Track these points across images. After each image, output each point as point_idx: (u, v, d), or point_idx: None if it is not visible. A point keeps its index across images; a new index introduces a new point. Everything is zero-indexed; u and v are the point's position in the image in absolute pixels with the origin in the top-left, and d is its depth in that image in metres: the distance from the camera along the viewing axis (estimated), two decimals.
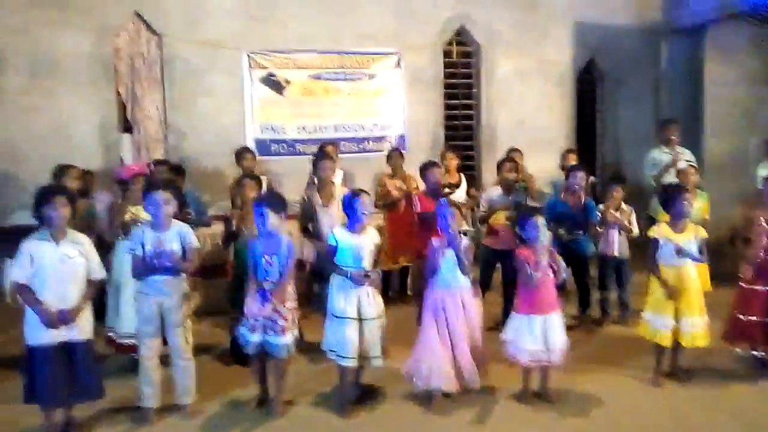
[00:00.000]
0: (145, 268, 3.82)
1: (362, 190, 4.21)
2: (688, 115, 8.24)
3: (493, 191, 5.54)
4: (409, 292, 6.30)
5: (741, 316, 4.46)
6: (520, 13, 8.08)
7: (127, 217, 4.65)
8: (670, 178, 6.38)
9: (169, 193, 3.95)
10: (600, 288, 5.69)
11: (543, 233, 4.05)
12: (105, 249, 4.52)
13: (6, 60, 6.62)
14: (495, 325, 4.92)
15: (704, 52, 8.54)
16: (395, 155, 6.49)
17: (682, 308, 4.21)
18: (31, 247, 3.58)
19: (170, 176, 5.75)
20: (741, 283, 4.55)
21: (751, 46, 8.64)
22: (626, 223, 5.57)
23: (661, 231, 4.32)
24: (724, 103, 8.29)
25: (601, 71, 8.61)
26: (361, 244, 4.03)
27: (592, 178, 6.56)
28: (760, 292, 4.43)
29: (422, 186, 5.69)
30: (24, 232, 3.68)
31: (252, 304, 3.90)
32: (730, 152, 7.79)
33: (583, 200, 5.42)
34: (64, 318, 3.57)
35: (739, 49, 8.64)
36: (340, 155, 6.49)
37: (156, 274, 3.83)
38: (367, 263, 4.03)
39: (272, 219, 3.88)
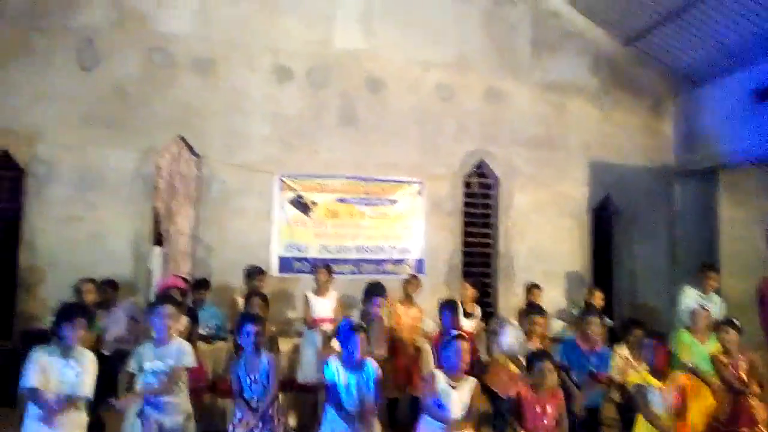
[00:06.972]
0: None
1: (361, 326, 4.17)
2: (702, 253, 8.39)
3: (514, 336, 5.29)
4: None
5: None
6: (537, 150, 8.50)
7: None
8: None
9: (177, 309, 4.09)
10: None
11: (551, 379, 4.00)
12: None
13: (56, 172, 7.00)
14: None
15: (717, 194, 8.84)
16: (405, 283, 6.51)
17: None
18: (41, 358, 3.71)
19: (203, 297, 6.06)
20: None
21: (763, 189, 8.95)
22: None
23: (643, 377, 4.20)
24: (739, 243, 8.45)
25: (616, 208, 8.84)
26: (358, 380, 3.94)
27: (607, 320, 6.40)
28: None
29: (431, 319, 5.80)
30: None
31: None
32: (747, 291, 7.84)
33: (598, 348, 5.13)
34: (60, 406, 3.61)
35: (751, 192, 8.94)
36: (361, 274, 6.63)
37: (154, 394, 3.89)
38: (364, 401, 3.92)
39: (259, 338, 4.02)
